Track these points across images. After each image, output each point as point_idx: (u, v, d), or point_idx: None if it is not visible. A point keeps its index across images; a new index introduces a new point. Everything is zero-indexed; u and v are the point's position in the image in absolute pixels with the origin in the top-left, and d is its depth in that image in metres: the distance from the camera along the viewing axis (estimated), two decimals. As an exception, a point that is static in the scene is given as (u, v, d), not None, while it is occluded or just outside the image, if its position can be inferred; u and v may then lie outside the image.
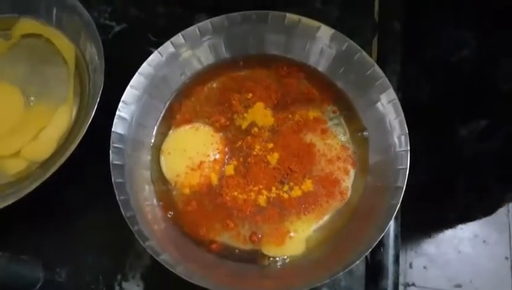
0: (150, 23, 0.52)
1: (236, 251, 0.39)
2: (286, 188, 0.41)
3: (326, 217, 0.40)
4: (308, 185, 0.42)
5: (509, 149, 0.47)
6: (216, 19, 0.45)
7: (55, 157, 0.43)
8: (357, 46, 0.43)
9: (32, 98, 0.47)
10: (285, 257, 0.39)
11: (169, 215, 0.41)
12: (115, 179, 0.38)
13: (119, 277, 0.41)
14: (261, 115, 0.45)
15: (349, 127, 0.44)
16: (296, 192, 0.41)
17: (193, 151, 0.42)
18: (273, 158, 0.43)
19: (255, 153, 0.43)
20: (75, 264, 0.41)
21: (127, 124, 0.41)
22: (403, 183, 0.37)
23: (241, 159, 0.43)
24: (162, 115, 0.45)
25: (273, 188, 0.42)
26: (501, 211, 1.06)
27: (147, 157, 0.43)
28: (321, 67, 0.46)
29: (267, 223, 0.40)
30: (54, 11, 0.49)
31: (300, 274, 0.37)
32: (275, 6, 0.45)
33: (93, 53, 0.46)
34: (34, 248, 0.41)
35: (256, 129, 0.44)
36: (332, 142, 0.43)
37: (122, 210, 0.37)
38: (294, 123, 0.44)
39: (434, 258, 1.07)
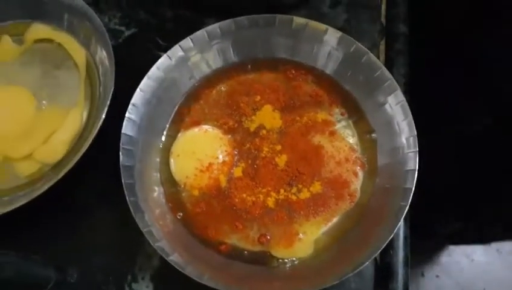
0: (159, 27, 0.53)
1: (245, 252, 0.40)
2: (294, 190, 0.42)
3: (335, 219, 0.40)
4: (316, 187, 0.42)
5: None
6: (224, 23, 0.45)
7: (67, 159, 0.44)
8: (365, 48, 0.43)
9: (44, 102, 0.48)
10: (294, 258, 0.39)
11: (178, 217, 0.41)
12: (125, 180, 0.39)
13: (129, 277, 0.41)
14: (269, 117, 0.45)
15: (358, 129, 0.44)
16: (305, 194, 0.41)
17: (202, 154, 0.43)
18: (282, 160, 0.43)
19: (263, 155, 0.43)
20: (85, 264, 0.41)
21: (137, 127, 0.42)
22: (412, 185, 0.37)
23: (249, 161, 0.43)
24: (171, 117, 0.45)
25: (282, 190, 0.42)
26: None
27: (156, 159, 0.43)
28: (329, 70, 0.46)
29: (276, 225, 0.40)
30: (66, 16, 0.50)
31: (309, 276, 0.37)
32: (282, 10, 0.46)
33: (104, 57, 0.46)
34: (46, 248, 0.42)
35: (264, 131, 0.44)
36: (340, 144, 0.43)
37: (132, 211, 0.37)
38: (303, 125, 0.44)
39: (446, 267, 1.05)
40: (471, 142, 0.51)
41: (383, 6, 0.52)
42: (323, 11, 0.52)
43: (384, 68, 0.43)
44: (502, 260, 1.06)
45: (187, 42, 0.45)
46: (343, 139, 0.44)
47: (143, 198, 0.39)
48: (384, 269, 0.40)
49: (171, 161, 0.43)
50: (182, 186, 0.42)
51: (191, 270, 0.36)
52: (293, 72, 0.47)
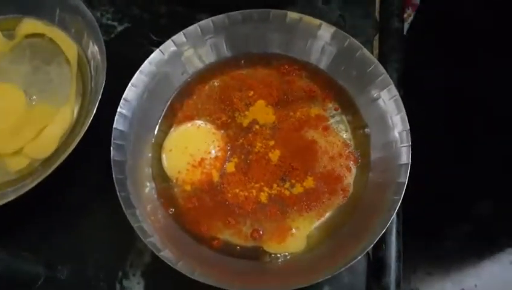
0: (152, 22, 0.52)
1: (238, 247, 0.39)
2: (288, 185, 0.41)
3: (328, 214, 0.40)
4: (309, 182, 0.41)
5: None
6: (217, 18, 0.45)
7: (57, 155, 0.43)
8: (358, 43, 0.43)
9: (34, 97, 0.47)
10: (287, 253, 0.39)
11: (170, 212, 0.41)
12: (116, 175, 0.38)
13: (120, 274, 0.40)
14: (262, 112, 0.45)
15: (351, 124, 0.44)
16: (298, 189, 0.41)
17: (194, 149, 0.42)
18: (275, 155, 0.43)
19: (256, 150, 0.43)
20: (76, 261, 0.41)
21: (128, 121, 0.42)
22: (405, 179, 0.37)
23: (242, 157, 0.43)
24: (163, 112, 0.45)
25: (275, 185, 0.41)
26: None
27: (148, 154, 0.43)
28: (322, 65, 0.46)
29: (269, 220, 0.40)
30: (57, 11, 0.49)
31: (301, 271, 0.37)
32: (276, 5, 0.46)
33: (96, 52, 0.46)
34: (36, 244, 0.41)
35: (257, 127, 0.44)
36: (334, 139, 0.43)
37: (123, 206, 0.37)
38: (296, 121, 0.44)
39: (438, 262, 1.05)
40: (465, 136, 0.51)
41: (377, 2, 0.52)
42: (317, 6, 0.52)
43: (377, 63, 0.42)
44: (494, 256, 1.06)
45: (180, 37, 0.45)
46: (336, 134, 0.43)
47: (134, 193, 0.39)
48: (376, 263, 0.40)
49: (163, 156, 0.43)
50: (174, 181, 0.42)
51: (182, 266, 0.35)
52: (287, 67, 0.46)
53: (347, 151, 0.42)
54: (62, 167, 0.39)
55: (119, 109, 0.41)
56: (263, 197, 0.41)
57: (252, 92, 0.46)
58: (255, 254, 0.39)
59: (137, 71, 0.43)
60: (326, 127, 0.44)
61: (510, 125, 0.45)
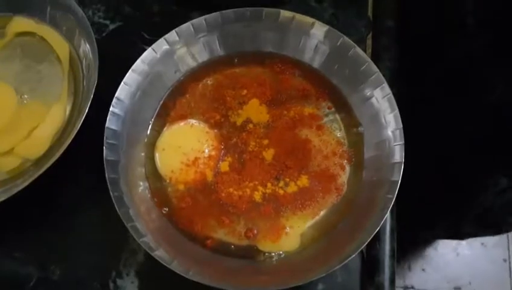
0: (144, 21, 0.52)
1: (232, 247, 0.39)
2: (282, 184, 0.41)
3: (322, 213, 0.40)
4: (303, 181, 0.41)
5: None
6: (210, 16, 0.45)
7: (49, 154, 0.43)
8: (351, 42, 0.43)
9: (25, 96, 0.47)
10: (281, 252, 0.39)
11: (164, 212, 0.40)
12: (109, 175, 0.38)
13: (113, 274, 0.40)
14: (256, 111, 0.45)
15: (344, 123, 0.44)
16: (292, 188, 0.41)
17: (188, 148, 0.42)
18: (269, 154, 0.43)
19: (250, 149, 0.43)
20: (68, 261, 0.41)
21: (121, 120, 0.41)
22: (398, 177, 0.37)
23: (236, 156, 0.43)
24: (156, 111, 0.45)
25: (269, 184, 0.41)
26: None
27: (141, 153, 0.43)
28: (316, 64, 0.46)
29: (263, 219, 0.40)
30: (48, 9, 0.49)
31: (295, 269, 0.37)
32: (269, 4, 0.45)
33: (87, 51, 0.46)
34: (28, 245, 0.41)
35: (251, 125, 0.44)
36: (327, 138, 0.43)
37: (116, 206, 0.36)
38: (290, 119, 0.44)
39: (433, 260, 1.06)
40: (458, 135, 0.52)
41: (370, 0, 0.52)
42: (310, 5, 0.52)
43: (370, 62, 0.43)
44: (487, 253, 1.07)
45: (172, 35, 0.45)
46: (330, 133, 0.44)
47: (127, 193, 0.39)
48: (370, 262, 0.40)
49: (156, 155, 0.43)
50: (168, 181, 0.42)
51: (176, 266, 0.35)
52: (280, 65, 0.46)
53: (341, 150, 0.42)
54: (54, 166, 0.39)
55: (111, 108, 0.41)
56: (257, 196, 0.41)
57: (245, 91, 0.45)
58: (249, 253, 0.39)
59: (130, 70, 0.43)
60: (320, 126, 0.44)
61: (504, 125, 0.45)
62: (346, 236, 0.38)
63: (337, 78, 0.45)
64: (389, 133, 0.40)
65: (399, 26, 0.50)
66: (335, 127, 0.44)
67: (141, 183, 0.41)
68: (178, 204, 0.41)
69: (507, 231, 0.61)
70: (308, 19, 0.44)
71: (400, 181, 0.37)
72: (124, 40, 0.51)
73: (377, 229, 0.35)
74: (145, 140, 0.44)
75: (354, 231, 0.38)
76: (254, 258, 0.39)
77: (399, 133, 0.39)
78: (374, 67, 0.42)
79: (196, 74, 0.46)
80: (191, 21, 0.45)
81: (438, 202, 0.61)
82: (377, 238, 0.40)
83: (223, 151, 0.43)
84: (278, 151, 0.43)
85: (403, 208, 0.41)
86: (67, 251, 0.41)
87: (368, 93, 0.43)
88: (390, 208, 0.36)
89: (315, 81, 0.45)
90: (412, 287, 1.04)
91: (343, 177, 0.42)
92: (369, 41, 0.50)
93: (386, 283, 0.39)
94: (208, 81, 0.46)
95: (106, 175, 0.38)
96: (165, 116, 0.45)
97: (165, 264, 0.35)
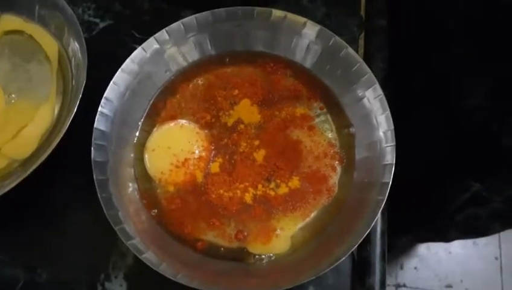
0: (134, 19, 0.51)
1: (222, 249, 0.39)
2: (273, 185, 0.41)
3: (312, 214, 0.40)
4: (295, 182, 0.41)
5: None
6: (201, 15, 0.44)
7: (37, 155, 0.42)
8: (343, 42, 0.43)
9: (13, 96, 0.46)
10: (271, 254, 0.39)
11: (153, 214, 0.40)
12: (97, 176, 0.37)
13: (101, 276, 0.40)
14: (247, 112, 0.44)
15: (336, 124, 0.43)
16: (283, 189, 0.41)
17: (178, 149, 0.42)
18: (260, 155, 0.42)
19: (241, 150, 0.42)
20: (56, 264, 0.40)
21: (110, 121, 0.41)
22: (389, 179, 0.37)
23: (226, 157, 0.42)
24: (146, 112, 0.44)
25: (260, 186, 0.41)
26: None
27: (130, 154, 0.42)
28: (307, 64, 0.45)
29: (253, 221, 0.40)
30: (37, 7, 0.48)
31: (286, 272, 0.37)
32: (260, 3, 0.45)
33: (76, 49, 0.45)
34: (14, 247, 0.40)
35: (242, 126, 0.44)
36: (319, 138, 0.43)
37: (104, 208, 0.36)
38: (281, 120, 0.44)
39: (425, 259, 1.07)
40: (449, 136, 0.51)
41: (363, 0, 0.51)
42: (302, 4, 0.52)
43: (362, 62, 0.42)
44: (479, 252, 1.08)
45: (163, 34, 0.44)
46: (321, 133, 0.43)
47: (116, 194, 0.38)
48: (361, 264, 0.40)
49: (146, 156, 0.42)
50: (157, 182, 0.41)
51: (165, 269, 0.35)
52: (272, 65, 0.46)
53: (332, 151, 0.42)
54: (42, 167, 0.38)
55: (100, 108, 0.40)
56: (248, 198, 0.40)
57: (236, 91, 0.45)
58: (240, 255, 0.39)
59: (119, 69, 0.42)
60: (312, 127, 0.43)
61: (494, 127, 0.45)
62: (336, 238, 0.37)
63: (328, 78, 0.45)
64: (381, 134, 0.40)
65: (390, 27, 0.50)
66: (326, 128, 0.44)
67: (130, 184, 0.41)
68: (167, 206, 0.40)
69: (493, 233, 0.62)
70: (300, 19, 0.44)
71: (391, 183, 0.37)
72: (114, 38, 0.51)
73: (368, 231, 0.35)
74: (135, 141, 0.43)
75: (344, 232, 0.37)
76: (244, 261, 0.38)
77: (390, 135, 0.39)
78: (366, 68, 0.42)
79: (187, 74, 0.46)
80: (181, 20, 0.44)
81: (422, 205, 0.62)
82: (368, 240, 0.40)
83: (213, 152, 0.42)
84: (269, 152, 0.42)
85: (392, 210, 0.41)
86: (55, 253, 0.41)
87: (360, 94, 0.42)
88: (381, 210, 0.36)
89: (307, 81, 0.45)
90: (404, 285, 1.04)
91: (335, 178, 0.41)
92: (361, 42, 0.49)
93: (377, 285, 0.39)
94: (199, 81, 0.46)
95: (94, 176, 0.37)
96: (154, 116, 0.44)
97: (153, 268, 0.34)
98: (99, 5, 0.52)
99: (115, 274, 0.40)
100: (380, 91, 0.41)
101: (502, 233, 1.08)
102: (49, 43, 0.48)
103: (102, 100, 0.40)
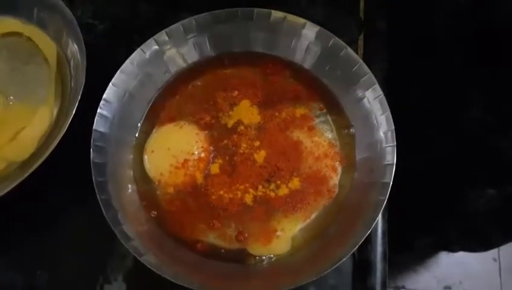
0: (133, 21, 0.51)
1: (222, 250, 0.39)
2: (273, 186, 0.41)
3: (313, 215, 0.40)
4: (295, 183, 0.41)
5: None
6: (200, 16, 0.44)
7: (35, 157, 0.42)
8: (343, 42, 0.43)
9: (11, 98, 0.46)
10: (272, 256, 0.38)
11: (152, 215, 0.40)
12: (96, 178, 0.37)
13: (101, 279, 0.39)
14: (247, 112, 0.44)
15: (336, 124, 0.43)
16: (283, 190, 0.41)
17: (177, 150, 0.42)
18: (260, 156, 0.42)
19: (241, 151, 0.42)
20: (55, 266, 0.40)
21: (109, 123, 0.41)
22: (390, 179, 0.37)
23: (226, 158, 0.42)
24: (145, 113, 0.44)
25: (260, 187, 0.41)
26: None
27: (129, 156, 0.42)
28: (307, 65, 0.45)
29: (254, 222, 0.39)
30: (35, 9, 0.48)
31: (287, 273, 0.36)
32: (260, 4, 0.45)
33: (75, 51, 0.45)
34: (13, 250, 0.40)
35: (242, 127, 0.43)
36: (319, 139, 0.43)
37: (103, 210, 0.36)
38: (281, 121, 0.44)
39: (423, 260, 1.07)
40: (449, 136, 0.51)
41: (361, 1, 0.51)
42: (301, 7, 0.52)
43: (362, 62, 0.42)
44: (478, 253, 1.08)
45: (162, 36, 0.44)
46: (321, 134, 0.43)
47: (115, 196, 0.38)
48: (362, 264, 0.40)
49: (145, 157, 0.42)
50: (157, 183, 0.41)
51: (165, 270, 0.34)
52: (271, 66, 0.46)
53: (332, 151, 0.42)
54: (40, 169, 0.38)
55: (99, 110, 0.40)
56: (248, 199, 0.40)
57: (236, 92, 0.45)
58: (240, 257, 0.38)
59: (118, 71, 0.42)
60: (312, 127, 0.43)
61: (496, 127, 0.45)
62: (337, 239, 0.37)
63: (328, 79, 0.45)
64: (381, 134, 0.40)
65: (390, 28, 0.50)
66: (326, 129, 0.43)
67: (129, 186, 0.41)
68: (167, 207, 0.40)
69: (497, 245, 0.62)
70: (300, 20, 0.44)
71: (391, 183, 0.37)
72: (113, 40, 0.50)
73: (369, 232, 0.35)
74: (134, 142, 0.43)
75: (345, 233, 0.37)
76: (245, 262, 0.38)
77: (391, 135, 0.39)
78: (366, 68, 0.42)
79: (186, 75, 0.46)
80: (180, 21, 0.44)
81: (425, 211, 0.61)
82: (368, 240, 0.40)
83: (213, 153, 0.42)
84: (269, 153, 0.42)
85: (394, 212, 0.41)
86: (54, 256, 0.40)
87: (360, 94, 0.42)
88: (381, 210, 0.36)
89: (306, 82, 0.45)
90: (403, 287, 1.04)
91: (335, 179, 0.41)
92: (360, 42, 0.50)
93: (378, 286, 0.39)
94: (198, 82, 0.46)
95: (93, 178, 0.37)
96: (154, 117, 0.44)
97: (153, 269, 0.34)
98: (98, 8, 0.52)
99: (114, 276, 0.39)
100: (380, 91, 0.41)
101: (501, 234, 1.08)
102: (47, 45, 0.48)
103: (102, 102, 0.40)
